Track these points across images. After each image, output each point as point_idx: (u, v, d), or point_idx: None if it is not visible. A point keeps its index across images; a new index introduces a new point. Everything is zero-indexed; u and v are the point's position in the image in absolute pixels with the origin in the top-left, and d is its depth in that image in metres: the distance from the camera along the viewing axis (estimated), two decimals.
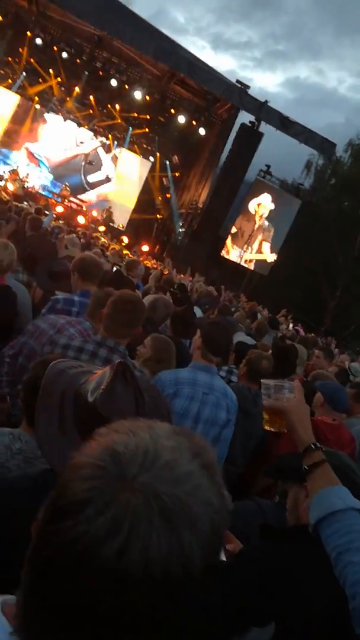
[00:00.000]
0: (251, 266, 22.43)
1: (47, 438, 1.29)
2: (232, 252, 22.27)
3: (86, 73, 20.62)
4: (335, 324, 24.75)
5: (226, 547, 1.72)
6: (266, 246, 22.34)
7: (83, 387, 1.32)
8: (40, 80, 20.45)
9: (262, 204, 21.89)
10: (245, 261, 22.26)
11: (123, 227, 21.89)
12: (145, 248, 18.15)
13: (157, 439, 0.62)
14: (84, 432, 1.27)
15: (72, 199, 19.94)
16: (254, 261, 22.38)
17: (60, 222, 11.96)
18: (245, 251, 22.18)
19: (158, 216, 24.16)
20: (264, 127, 20.64)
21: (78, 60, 20.16)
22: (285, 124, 19.80)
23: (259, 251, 22.38)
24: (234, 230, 22.27)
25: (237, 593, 1.39)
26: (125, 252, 14.11)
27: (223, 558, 1.66)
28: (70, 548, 0.55)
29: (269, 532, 1.61)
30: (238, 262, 22.20)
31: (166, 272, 8.54)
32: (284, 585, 1.37)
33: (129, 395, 1.29)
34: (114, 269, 6.57)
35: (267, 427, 1.60)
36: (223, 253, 22.01)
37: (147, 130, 22.44)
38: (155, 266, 11.90)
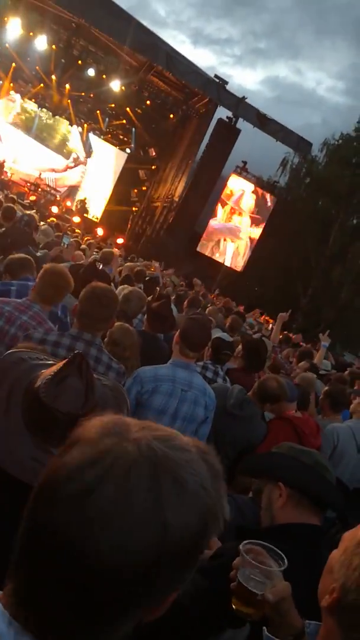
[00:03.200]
0: (223, 260, 22.54)
1: None
2: (212, 243, 22.40)
3: (62, 61, 20.26)
4: (307, 322, 25.04)
5: None
6: (242, 240, 22.52)
7: (37, 376, 1.27)
8: (14, 65, 19.98)
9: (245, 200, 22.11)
10: (223, 252, 22.47)
11: (97, 218, 21.66)
12: (119, 241, 17.99)
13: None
14: (27, 418, 1.25)
15: (45, 187, 19.62)
16: (226, 253, 22.57)
17: (32, 211, 11.70)
18: (224, 244, 22.33)
19: (133, 209, 23.99)
20: (241, 124, 20.71)
21: (54, 47, 19.77)
22: (262, 121, 19.85)
23: (236, 243, 22.58)
24: (215, 221, 22.39)
25: (212, 594, 1.35)
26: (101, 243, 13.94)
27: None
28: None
29: (245, 532, 1.58)
30: (215, 253, 22.33)
31: (152, 270, 8.44)
32: None
33: (78, 387, 1.24)
34: (97, 264, 6.45)
35: (241, 609, 1.25)
36: (203, 243, 22.07)
37: (124, 121, 22.21)
38: (130, 259, 11.78)
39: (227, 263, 22.63)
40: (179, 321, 3.10)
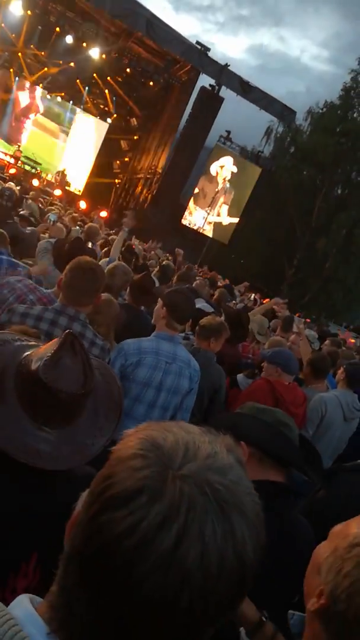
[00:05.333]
0: (210, 232, 22.40)
1: None
2: (195, 214, 22.15)
3: (39, 28, 19.62)
4: (292, 293, 25.13)
5: None
6: (224, 209, 22.36)
7: (27, 358, 1.27)
8: None
9: (224, 166, 21.85)
10: (208, 223, 22.29)
11: (79, 191, 21.32)
12: (103, 214, 17.75)
13: (192, 434, 0.63)
14: (27, 402, 1.24)
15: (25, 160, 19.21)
16: (212, 224, 22.40)
17: (11, 183, 11.48)
18: (209, 213, 22.16)
19: (116, 180, 23.63)
20: (225, 92, 20.38)
21: (29, 13, 19.10)
22: (245, 88, 19.56)
23: (219, 213, 22.42)
24: (196, 190, 22.14)
25: None
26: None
27: None
28: (126, 537, 0.54)
29: None
30: (202, 224, 22.19)
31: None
32: None
33: (76, 366, 1.25)
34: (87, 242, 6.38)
35: None
36: (185, 217, 21.89)
37: (104, 90, 21.69)
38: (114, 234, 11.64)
39: (212, 236, 22.55)
40: (159, 294, 3.09)
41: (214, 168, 21.90)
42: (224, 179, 22.00)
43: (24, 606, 0.63)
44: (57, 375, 1.21)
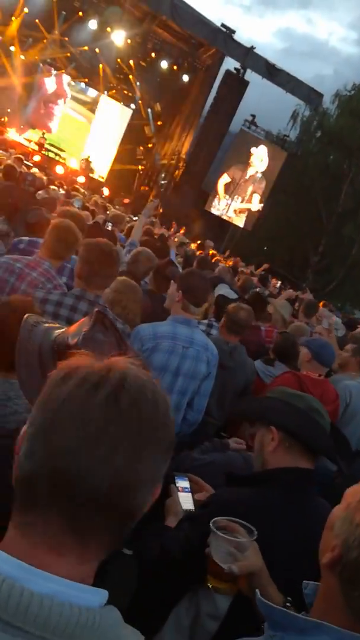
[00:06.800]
0: (234, 219, 22.14)
1: (31, 391, 1.25)
2: (223, 201, 21.90)
3: (63, 13, 19.51)
4: (317, 281, 24.81)
5: (195, 498, 1.72)
6: (256, 198, 22.05)
7: (60, 336, 1.31)
8: (14, 18, 19.21)
9: (255, 155, 21.55)
10: (234, 211, 22.00)
11: (103, 178, 21.32)
12: (126, 201, 17.74)
13: None
14: None
15: (49, 147, 19.25)
16: (237, 211, 22.08)
17: (34, 170, 11.52)
18: (234, 200, 21.87)
19: (140, 167, 23.53)
20: (250, 76, 20.00)
21: None
22: (271, 72, 19.17)
23: (249, 201, 22.06)
24: (225, 177, 21.83)
25: (198, 542, 1.37)
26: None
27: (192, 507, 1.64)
28: None
29: (234, 479, 1.59)
30: (225, 211, 21.92)
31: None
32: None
33: (110, 340, 1.30)
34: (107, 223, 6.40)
35: (215, 585, 1.24)
36: (212, 204, 21.64)
37: (129, 75, 21.53)
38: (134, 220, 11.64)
39: (236, 222, 22.30)
40: (173, 277, 3.05)
41: (245, 155, 21.57)
42: (254, 167, 21.69)
43: None
44: (94, 347, 1.23)
